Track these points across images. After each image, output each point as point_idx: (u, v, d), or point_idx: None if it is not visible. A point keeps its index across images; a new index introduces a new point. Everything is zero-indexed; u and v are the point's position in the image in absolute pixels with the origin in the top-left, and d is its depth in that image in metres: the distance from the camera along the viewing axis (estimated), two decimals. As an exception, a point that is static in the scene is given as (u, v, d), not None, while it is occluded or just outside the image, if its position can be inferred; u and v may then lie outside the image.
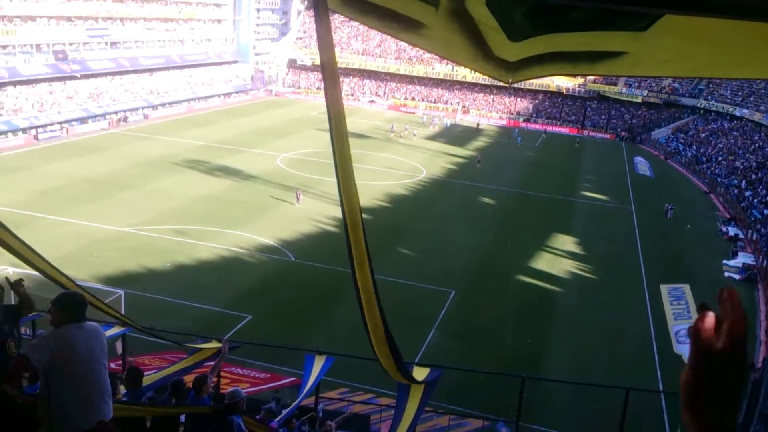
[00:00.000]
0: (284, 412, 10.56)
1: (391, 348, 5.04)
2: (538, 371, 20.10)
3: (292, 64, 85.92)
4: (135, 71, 65.05)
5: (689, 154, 57.73)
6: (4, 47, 52.16)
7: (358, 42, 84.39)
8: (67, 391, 4.26)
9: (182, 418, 8.11)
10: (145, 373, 8.24)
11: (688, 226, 38.66)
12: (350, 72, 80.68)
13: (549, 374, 20.06)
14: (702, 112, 67.63)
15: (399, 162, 49.04)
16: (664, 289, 27.80)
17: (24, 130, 48.79)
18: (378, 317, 4.43)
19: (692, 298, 26.40)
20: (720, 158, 52.86)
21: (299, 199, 36.70)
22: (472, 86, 79.02)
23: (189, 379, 8.57)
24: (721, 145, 56.38)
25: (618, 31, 2.16)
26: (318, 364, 10.58)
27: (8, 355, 4.44)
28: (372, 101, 78.72)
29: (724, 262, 32.13)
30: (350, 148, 3.27)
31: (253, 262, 28.36)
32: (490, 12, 2.21)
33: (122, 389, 7.81)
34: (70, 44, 58.70)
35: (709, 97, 67.80)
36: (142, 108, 61.32)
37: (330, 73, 2.88)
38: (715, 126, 62.93)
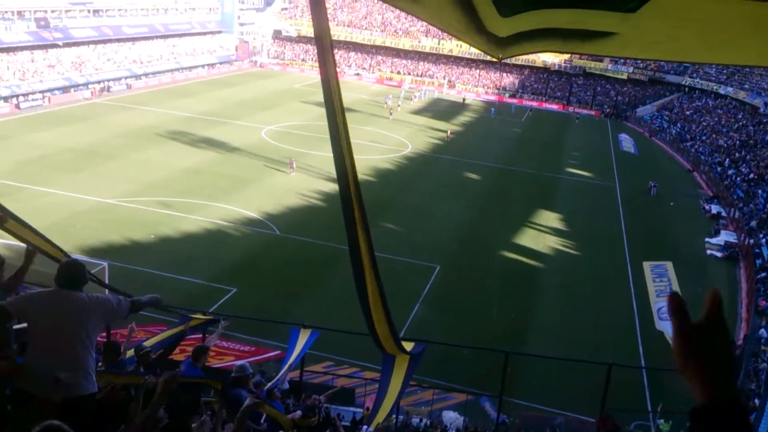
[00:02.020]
0: (268, 384, 10.60)
1: (386, 312, 5.07)
2: (521, 346, 20.30)
3: (277, 35, 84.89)
4: (118, 40, 63.99)
5: (674, 131, 58.01)
6: (-17, 13, 51.08)
7: (344, 13, 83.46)
8: (33, 355, 4.22)
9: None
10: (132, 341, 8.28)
11: (672, 203, 39.00)
12: (336, 44, 79.68)
13: (532, 349, 20.28)
14: (687, 89, 67.86)
15: (384, 136, 48.85)
16: (646, 265, 28.10)
17: (5, 99, 47.96)
18: (375, 280, 4.42)
19: (675, 275, 26.71)
20: (704, 136, 53.16)
21: (293, 168, 36.73)
22: (459, 60, 78.64)
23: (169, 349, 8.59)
24: (705, 123, 56.65)
25: (608, 11, 2.13)
26: (303, 337, 10.61)
27: None
28: (358, 74, 78.10)
29: (707, 239, 32.49)
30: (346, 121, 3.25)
31: (238, 235, 28.25)
32: None
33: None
34: (52, 11, 57.55)
35: (694, 75, 67.97)
36: (125, 78, 60.44)
37: (325, 46, 2.84)
38: (699, 104, 63.19)
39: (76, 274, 4.39)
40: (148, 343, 8.85)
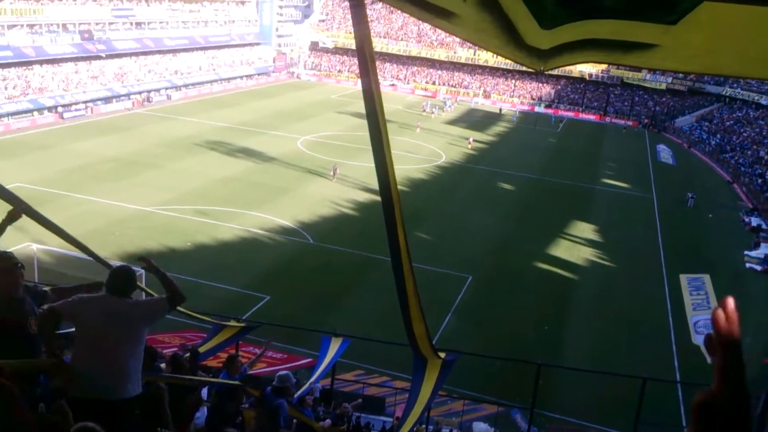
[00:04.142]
0: (299, 392, 10.72)
1: (422, 312, 5.22)
2: (554, 359, 20.10)
3: (314, 46, 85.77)
4: (159, 52, 65.35)
5: (713, 142, 56.90)
6: (32, 26, 52.62)
7: (380, 25, 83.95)
8: (78, 357, 4.36)
9: (204, 394, 8.29)
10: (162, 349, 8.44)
11: (710, 215, 38.24)
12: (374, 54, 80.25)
13: (565, 362, 20.05)
14: (727, 100, 66.52)
15: (419, 146, 48.92)
16: (683, 278, 27.58)
17: (50, 109, 49.36)
18: (413, 280, 4.60)
19: (712, 289, 26.16)
20: (744, 147, 52.05)
21: (336, 174, 37.27)
22: (494, 71, 78.43)
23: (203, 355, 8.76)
24: (745, 134, 55.46)
25: (650, 23, 2.17)
26: (334, 345, 10.70)
27: (31, 335, 4.48)
28: (393, 85, 78.42)
29: (746, 252, 31.74)
30: (386, 131, 3.38)
31: (272, 243, 28.56)
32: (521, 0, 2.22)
33: None
34: (96, 24, 59.06)
35: (735, 85, 66.61)
36: (166, 88, 61.68)
37: (366, 56, 2.93)
38: (740, 114, 61.89)
39: (125, 281, 4.54)
40: (201, 349, 9.02)
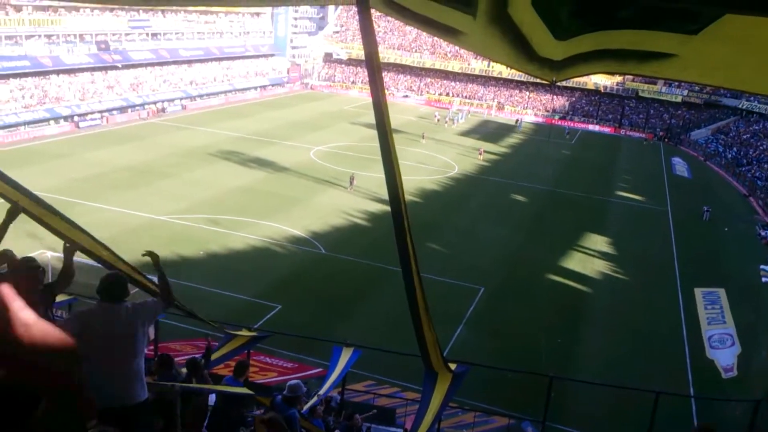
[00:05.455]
0: (310, 402, 10.68)
1: (431, 322, 5.27)
2: (567, 371, 19.91)
3: (327, 57, 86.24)
4: (174, 62, 65.96)
5: (729, 155, 56.48)
6: (49, 36, 53.34)
7: (394, 36, 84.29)
8: (87, 369, 4.38)
9: (212, 400, 8.28)
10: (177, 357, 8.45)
11: (726, 229, 37.89)
12: (385, 66, 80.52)
13: (578, 375, 19.85)
14: (744, 113, 66.08)
15: (431, 157, 48.93)
16: (698, 292, 27.32)
17: (66, 118, 49.90)
18: (422, 289, 4.67)
19: (727, 303, 25.89)
20: (761, 161, 51.60)
21: (353, 184, 37.37)
22: (508, 82, 78.44)
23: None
24: (762, 147, 55.01)
25: (668, 33, 2.14)
26: (345, 355, 10.67)
27: None
28: (406, 96, 78.61)
29: (762, 266, 31.38)
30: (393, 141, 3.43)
31: (284, 253, 28.61)
32: (536, 12, 2.21)
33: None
34: (113, 35, 59.75)
35: (752, 99, 66.08)
36: (181, 99, 62.19)
37: (374, 68, 2.95)
38: (757, 128, 61.43)
39: (117, 286, 4.56)
40: (213, 356, 9.02)
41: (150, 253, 5.04)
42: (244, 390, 7.89)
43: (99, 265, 5.89)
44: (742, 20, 1.93)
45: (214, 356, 9.06)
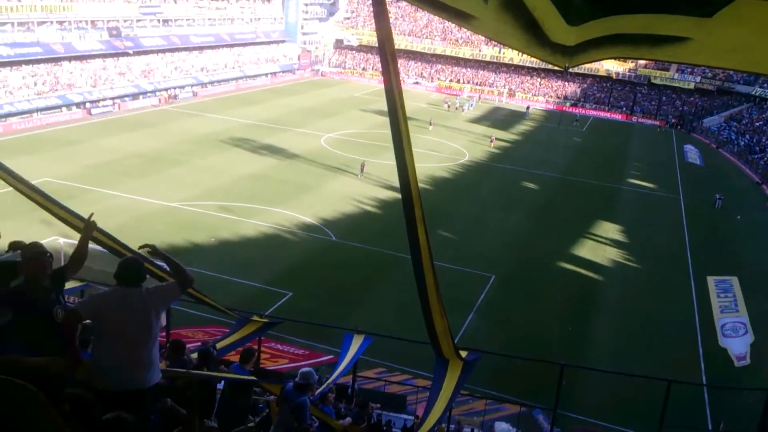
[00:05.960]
0: (320, 388, 10.72)
1: (443, 308, 5.25)
2: (578, 359, 19.91)
3: (338, 44, 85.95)
4: (186, 49, 65.96)
5: (742, 143, 55.95)
6: (61, 23, 53.44)
7: (405, 22, 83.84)
8: (101, 353, 4.44)
9: (220, 387, 8.33)
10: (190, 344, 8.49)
11: (738, 217, 37.61)
12: (396, 53, 79.87)
13: (589, 363, 19.85)
14: (757, 100, 65.34)
15: (442, 145, 48.79)
16: (710, 280, 27.12)
17: (78, 105, 50.08)
18: (433, 276, 4.69)
19: (740, 291, 25.69)
20: (776, 148, 51.12)
21: (363, 171, 37.50)
22: (519, 69, 77.90)
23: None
24: (777, 135, 54.50)
25: (682, 15, 2.12)
26: (356, 343, 10.69)
27: (57, 323, 4.59)
28: (417, 83, 78.29)
29: (775, 255, 31.21)
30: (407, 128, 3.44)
31: (295, 240, 28.68)
32: None
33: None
34: (124, 21, 59.79)
35: (765, 85, 65.36)
36: (192, 85, 62.24)
37: (388, 54, 2.94)
38: (771, 115, 60.82)
39: (135, 271, 4.60)
40: (223, 343, 9.04)
41: (145, 246, 5.05)
42: (251, 378, 7.92)
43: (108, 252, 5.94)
44: (758, 1, 1.91)
45: (225, 343, 9.10)
